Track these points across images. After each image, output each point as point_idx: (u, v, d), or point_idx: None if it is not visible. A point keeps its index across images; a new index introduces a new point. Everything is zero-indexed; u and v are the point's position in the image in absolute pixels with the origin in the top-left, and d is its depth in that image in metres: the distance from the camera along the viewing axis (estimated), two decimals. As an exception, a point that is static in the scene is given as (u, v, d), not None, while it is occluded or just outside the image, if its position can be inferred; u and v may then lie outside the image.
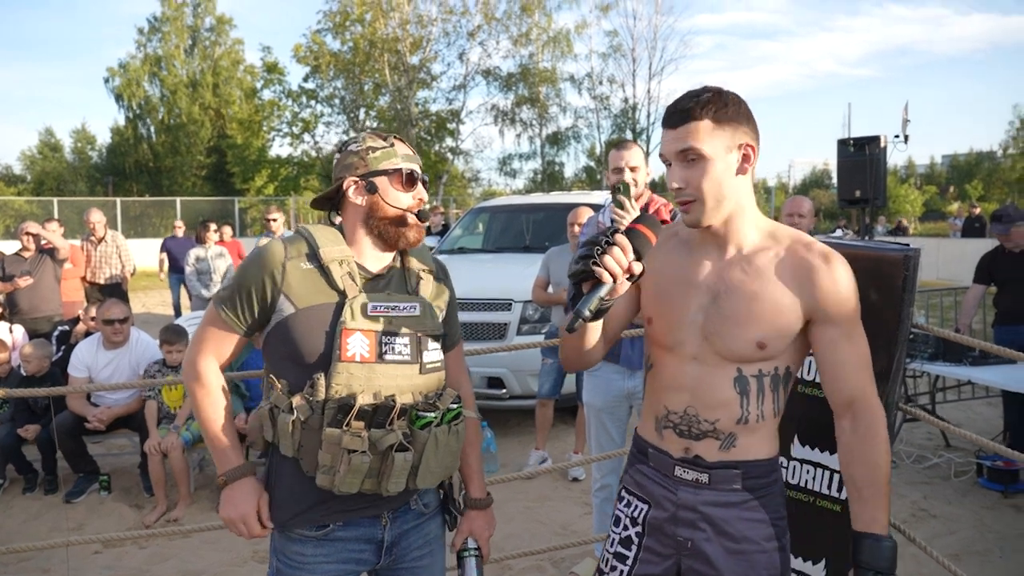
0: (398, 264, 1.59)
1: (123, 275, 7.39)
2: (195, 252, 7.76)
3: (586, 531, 3.60)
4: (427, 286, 1.59)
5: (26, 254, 6.03)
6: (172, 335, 4.40)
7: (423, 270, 1.61)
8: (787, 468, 2.25)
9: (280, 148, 32.82)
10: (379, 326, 1.46)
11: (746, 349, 1.41)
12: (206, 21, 33.41)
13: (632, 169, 2.76)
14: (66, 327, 5.42)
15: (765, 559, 1.45)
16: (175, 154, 32.31)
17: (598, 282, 1.31)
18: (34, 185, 34.48)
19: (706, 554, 1.46)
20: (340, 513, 1.51)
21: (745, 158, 1.39)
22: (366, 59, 26.97)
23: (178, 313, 9.30)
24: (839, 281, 1.39)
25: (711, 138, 1.36)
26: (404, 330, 1.49)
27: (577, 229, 4.37)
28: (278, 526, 1.54)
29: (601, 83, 28.92)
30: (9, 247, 7.04)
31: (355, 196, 1.53)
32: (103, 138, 36.11)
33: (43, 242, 6.05)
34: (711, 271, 1.45)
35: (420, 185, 1.56)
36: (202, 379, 1.53)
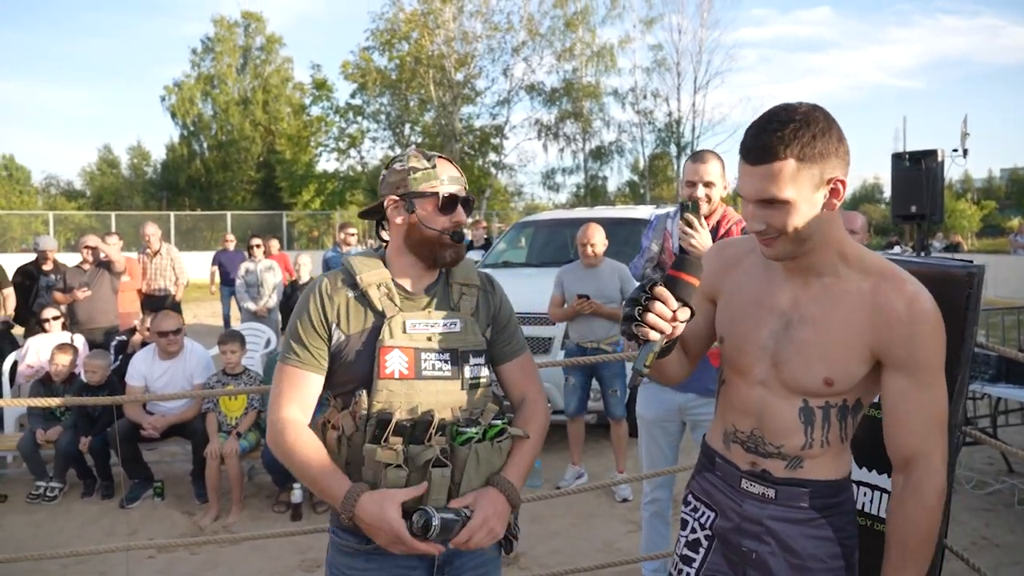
0: (441, 281, 1.61)
1: (176, 287, 7.61)
2: (245, 265, 8.00)
3: (630, 550, 3.55)
4: (470, 301, 1.60)
5: (85, 267, 6.26)
6: (226, 336, 4.70)
7: (466, 286, 1.62)
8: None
9: (327, 163, 33.54)
10: (417, 343, 1.49)
11: (813, 384, 1.37)
12: (256, 41, 34.50)
13: (707, 184, 2.67)
14: (123, 337, 5.60)
15: None
16: (226, 169, 33.31)
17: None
18: (93, 200, 35.93)
19: (770, 567, 1.44)
20: None
21: (834, 192, 1.28)
22: (412, 76, 27.42)
23: (227, 325, 9.53)
24: (920, 328, 1.28)
25: (795, 182, 1.24)
26: (445, 346, 1.51)
27: (590, 250, 4.43)
28: (332, 530, 1.58)
29: (645, 97, 28.84)
30: (70, 259, 7.33)
31: (394, 214, 1.57)
32: (158, 154, 37.48)
33: (102, 255, 6.28)
34: (788, 297, 1.39)
35: (460, 207, 1.56)
36: (287, 428, 1.48)
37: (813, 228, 1.29)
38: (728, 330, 1.48)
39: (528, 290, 5.59)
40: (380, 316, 1.51)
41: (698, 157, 2.75)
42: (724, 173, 2.78)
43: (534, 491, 3.65)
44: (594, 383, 4.58)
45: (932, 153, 6.02)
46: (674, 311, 1.29)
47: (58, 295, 6.07)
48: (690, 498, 1.61)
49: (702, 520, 1.56)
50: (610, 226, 5.14)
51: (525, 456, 1.59)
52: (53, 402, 2.64)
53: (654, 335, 1.28)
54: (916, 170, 6.03)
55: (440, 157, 1.58)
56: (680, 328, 1.32)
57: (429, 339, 1.51)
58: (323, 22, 66.16)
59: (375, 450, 1.42)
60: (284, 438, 1.48)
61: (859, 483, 2.17)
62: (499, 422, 1.52)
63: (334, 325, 1.52)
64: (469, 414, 1.50)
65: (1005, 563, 3.50)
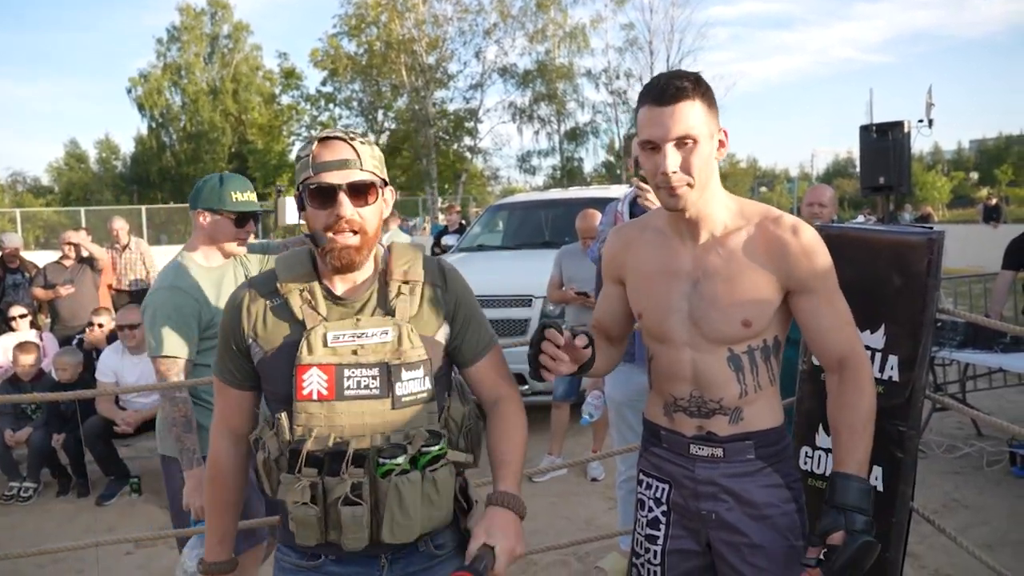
0: (378, 279, 1.39)
1: (148, 281, 7.50)
2: None
3: (610, 525, 3.59)
4: (408, 302, 1.37)
5: (67, 263, 6.15)
6: None
7: (406, 283, 1.38)
8: (812, 458, 2.22)
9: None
10: (341, 358, 1.30)
11: (732, 330, 1.46)
12: (224, 28, 33.81)
13: None
14: (82, 335, 5.51)
15: (787, 520, 1.51)
16: (198, 161, 32.74)
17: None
18: (61, 196, 35.20)
19: (731, 523, 1.51)
20: (331, 547, 1.34)
21: (721, 143, 1.43)
22: (383, 61, 27.10)
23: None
24: (811, 250, 1.42)
25: (703, 122, 1.38)
26: (373, 360, 1.31)
27: (590, 242, 4.30)
28: (278, 546, 1.46)
29: (618, 77, 28.80)
30: (40, 257, 7.19)
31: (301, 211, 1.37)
32: (127, 148, 36.75)
33: (83, 252, 6.18)
34: (688, 258, 1.49)
35: (341, 198, 1.29)
36: (213, 457, 1.46)
37: (709, 174, 1.41)
38: (643, 304, 1.56)
39: (504, 273, 5.60)
40: (301, 327, 1.33)
41: None
42: None
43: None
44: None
45: (898, 124, 6.08)
46: (568, 344, 1.38)
47: (39, 292, 5.96)
48: (641, 476, 1.66)
49: (657, 495, 1.60)
50: (583, 206, 5.13)
51: (515, 457, 1.40)
52: (21, 399, 2.61)
53: (553, 374, 1.41)
54: (883, 142, 6.09)
55: (327, 138, 1.33)
56: (587, 353, 1.41)
57: (355, 352, 1.31)
58: (291, 6, 65.14)
59: (286, 484, 1.30)
60: (208, 466, 1.47)
61: (828, 450, 2.20)
62: (435, 447, 1.32)
63: (250, 340, 1.36)
64: (404, 437, 1.31)
65: (974, 523, 3.59)
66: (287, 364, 1.31)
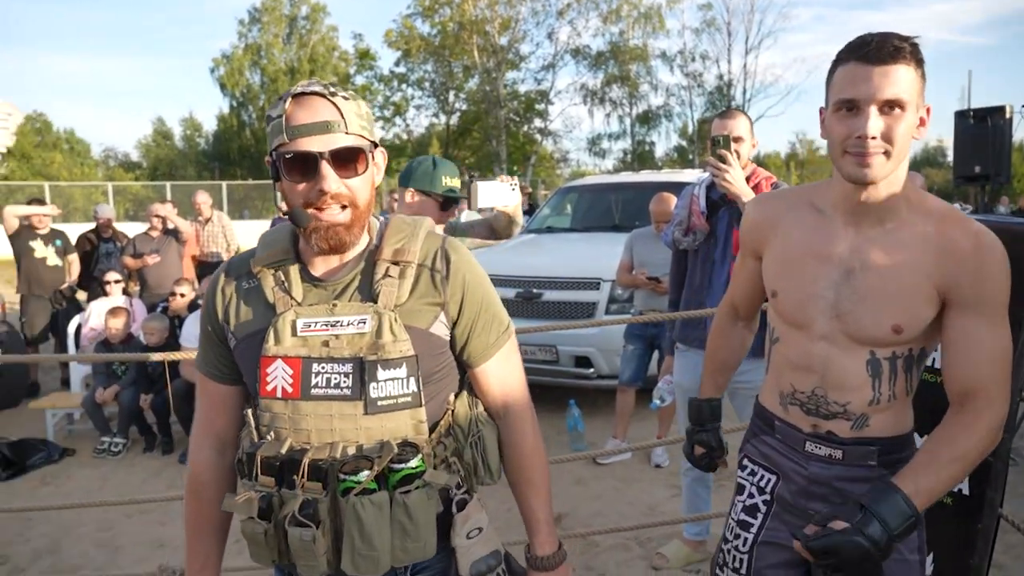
0: (365, 259, 1.19)
1: (228, 253, 7.83)
2: None
3: (673, 513, 3.55)
4: (395, 287, 1.15)
5: (153, 234, 6.51)
6: None
7: (394, 264, 1.17)
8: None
9: (372, 131, 33.89)
10: (311, 350, 1.12)
11: (881, 333, 1.32)
12: (302, 10, 34.69)
13: (736, 140, 2.63)
14: (165, 303, 5.79)
15: None
16: (275, 139, 33.86)
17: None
18: (149, 171, 37.11)
19: None
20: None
21: (922, 120, 1.27)
22: (455, 41, 27.27)
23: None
24: (987, 262, 1.26)
25: (915, 91, 1.23)
26: (347, 354, 1.12)
27: (663, 227, 4.14)
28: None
29: (694, 59, 28.16)
30: (129, 228, 7.58)
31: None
32: (209, 126, 38.39)
33: (169, 224, 6.53)
34: (846, 246, 1.34)
35: (325, 169, 1.09)
36: (193, 468, 1.28)
37: (906, 151, 1.26)
38: (781, 284, 1.42)
39: (572, 255, 5.58)
40: (272, 312, 1.16)
41: (725, 114, 2.75)
42: (752, 130, 2.74)
43: (578, 453, 3.69)
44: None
45: (999, 109, 5.71)
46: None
47: (129, 260, 6.33)
48: (746, 462, 1.57)
49: (761, 484, 1.52)
50: (654, 189, 5.04)
51: (542, 503, 1.28)
52: (113, 358, 2.81)
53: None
54: (981, 128, 5.73)
55: (302, 94, 1.11)
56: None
57: (326, 344, 1.12)
58: (367, -11, 66.04)
59: (237, 491, 1.15)
60: (187, 481, 1.30)
61: (914, 451, 2.11)
62: (407, 465, 1.11)
63: (226, 326, 1.21)
64: (380, 449, 1.11)
65: (1066, 535, 3.38)
66: (256, 354, 1.15)
